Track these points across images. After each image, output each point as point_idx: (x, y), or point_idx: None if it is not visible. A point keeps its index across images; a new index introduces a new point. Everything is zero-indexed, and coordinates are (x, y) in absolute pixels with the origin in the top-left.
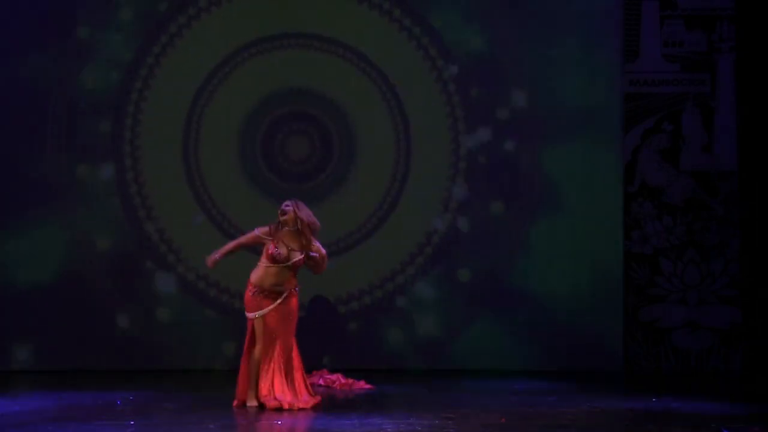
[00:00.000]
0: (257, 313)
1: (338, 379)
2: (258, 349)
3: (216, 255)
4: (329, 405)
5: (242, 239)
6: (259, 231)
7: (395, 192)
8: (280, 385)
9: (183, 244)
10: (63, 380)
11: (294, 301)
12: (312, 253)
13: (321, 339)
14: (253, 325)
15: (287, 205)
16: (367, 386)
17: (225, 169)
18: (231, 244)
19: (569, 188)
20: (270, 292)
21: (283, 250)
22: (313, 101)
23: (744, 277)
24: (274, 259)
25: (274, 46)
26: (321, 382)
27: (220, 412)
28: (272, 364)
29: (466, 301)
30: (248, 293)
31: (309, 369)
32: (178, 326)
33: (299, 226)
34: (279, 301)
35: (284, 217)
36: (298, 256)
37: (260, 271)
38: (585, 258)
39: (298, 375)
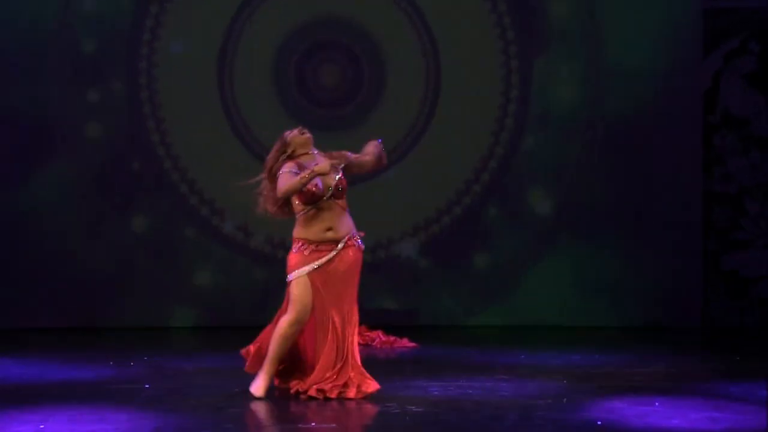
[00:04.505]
0: (302, 270)
1: (378, 337)
2: (295, 318)
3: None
4: (368, 366)
5: (284, 184)
6: (288, 167)
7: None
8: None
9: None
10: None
11: (353, 253)
12: (350, 157)
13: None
14: (297, 290)
15: (297, 129)
16: (411, 344)
17: (259, 100)
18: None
19: (641, 120)
20: (321, 243)
21: (319, 182)
22: (343, 30)
23: None
24: (313, 196)
25: None
26: (360, 340)
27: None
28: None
29: (533, 237)
30: (292, 252)
31: None
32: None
33: (314, 148)
34: (334, 252)
35: (304, 136)
36: (336, 178)
37: (302, 221)
38: (659, 198)
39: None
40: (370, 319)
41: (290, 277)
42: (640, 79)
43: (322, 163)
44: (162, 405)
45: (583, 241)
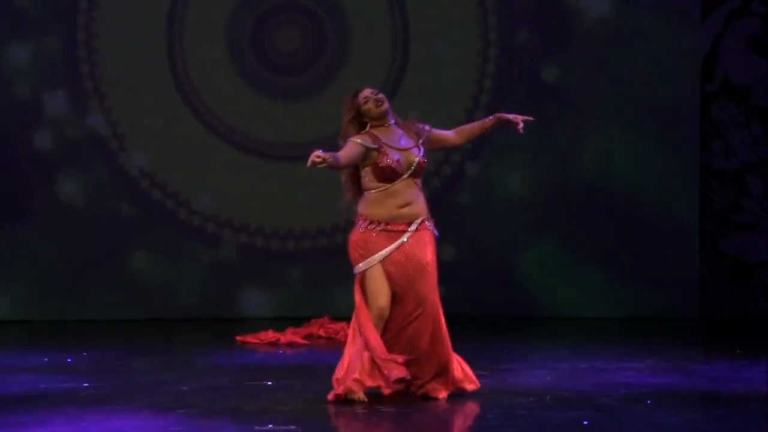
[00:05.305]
0: (373, 259)
1: (343, 329)
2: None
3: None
4: (332, 360)
5: (347, 153)
6: (361, 138)
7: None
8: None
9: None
10: None
11: (428, 238)
12: (433, 132)
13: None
14: (372, 285)
15: (374, 92)
16: None
17: (211, 63)
18: (338, 160)
19: (632, 88)
20: (393, 221)
21: (400, 157)
22: None
23: None
24: (393, 173)
25: None
26: (321, 332)
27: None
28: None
29: (513, 222)
30: (356, 232)
31: (308, 317)
32: None
33: (393, 117)
34: (408, 233)
35: (380, 108)
36: (417, 154)
37: (373, 198)
38: (652, 174)
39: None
40: (334, 309)
41: (360, 267)
42: (631, 44)
43: (398, 135)
44: (104, 405)
45: (571, 224)
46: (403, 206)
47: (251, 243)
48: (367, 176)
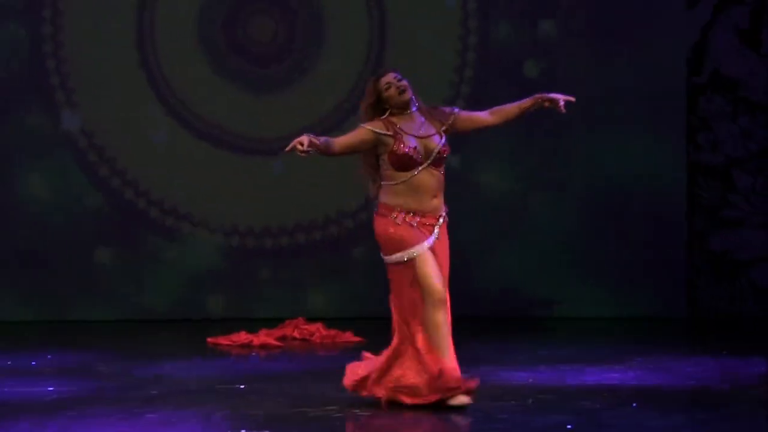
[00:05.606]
0: (422, 246)
1: (318, 330)
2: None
3: (314, 140)
4: (307, 363)
5: (348, 139)
6: (373, 125)
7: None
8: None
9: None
10: None
11: (446, 232)
12: (461, 114)
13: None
14: (426, 267)
15: (398, 78)
16: (356, 339)
17: (183, 55)
18: (330, 145)
19: (617, 80)
20: (426, 213)
21: (417, 145)
22: None
23: None
24: (410, 161)
25: None
26: (296, 334)
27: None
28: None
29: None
30: (390, 223)
31: (281, 317)
32: None
33: (417, 104)
34: (439, 226)
35: (403, 97)
36: (439, 142)
37: (398, 189)
38: (637, 171)
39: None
40: (309, 310)
41: (412, 253)
42: (614, 35)
43: (418, 123)
44: (69, 411)
45: (555, 222)
46: (434, 197)
47: (224, 241)
48: (385, 165)
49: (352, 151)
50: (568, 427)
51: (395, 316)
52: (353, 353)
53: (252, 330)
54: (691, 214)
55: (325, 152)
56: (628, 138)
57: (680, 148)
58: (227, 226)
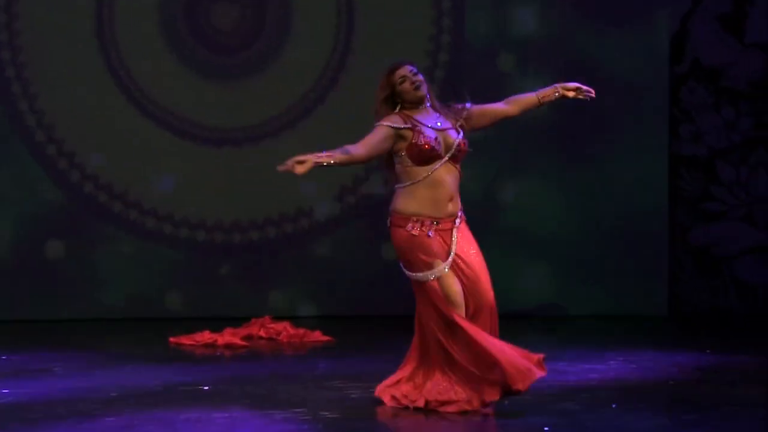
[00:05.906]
0: (440, 269)
1: (285, 329)
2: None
3: (325, 158)
4: (274, 364)
5: (370, 142)
6: (390, 121)
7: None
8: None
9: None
10: None
11: (467, 227)
12: (474, 108)
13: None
14: (440, 286)
15: (413, 71)
16: (324, 338)
17: (143, 41)
18: (351, 153)
19: (597, 69)
20: (442, 219)
21: (437, 136)
22: None
23: None
24: (431, 152)
25: None
26: (262, 333)
27: None
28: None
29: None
30: (403, 233)
31: (247, 316)
32: None
33: (432, 101)
34: (456, 229)
35: (418, 93)
36: (457, 136)
37: (413, 191)
38: (617, 163)
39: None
40: (276, 308)
41: (429, 276)
42: (592, 22)
43: (434, 116)
44: (24, 413)
45: (532, 218)
46: (450, 199)
47: (187, 235)
48: (403, 163)
49: (378, 153)
50: (546, 429)
51: (419, 332)
52: (321, 353)
53: (216, 329)
54: (674, 207)
55: (349, 162)
56: (609, 129)
57: (663, 139)
58: (193, 219)
